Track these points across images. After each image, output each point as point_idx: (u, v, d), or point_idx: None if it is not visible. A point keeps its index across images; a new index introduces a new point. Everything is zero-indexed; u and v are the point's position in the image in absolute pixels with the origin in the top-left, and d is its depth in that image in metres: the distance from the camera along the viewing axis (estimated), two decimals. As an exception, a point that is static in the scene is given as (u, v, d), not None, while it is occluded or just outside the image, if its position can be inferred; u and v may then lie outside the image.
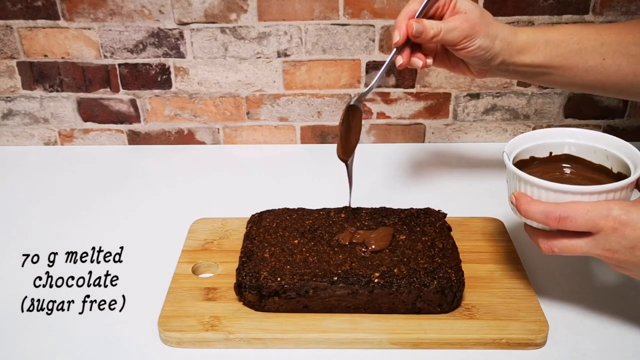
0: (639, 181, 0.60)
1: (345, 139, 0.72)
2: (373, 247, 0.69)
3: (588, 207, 0.56)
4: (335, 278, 0.65)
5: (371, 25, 0.94)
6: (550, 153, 0.67)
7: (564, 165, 0.67)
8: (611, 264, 0.58)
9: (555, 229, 0.58)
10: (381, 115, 1.02)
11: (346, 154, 0.73)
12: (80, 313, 0.68)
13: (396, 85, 1.00)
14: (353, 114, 0.72)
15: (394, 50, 0.69)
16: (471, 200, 0.88)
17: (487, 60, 0.70)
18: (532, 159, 0.67)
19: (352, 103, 0.71)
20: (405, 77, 0.99)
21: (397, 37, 0.67)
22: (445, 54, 0.73)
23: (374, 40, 0.96)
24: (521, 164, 0.65)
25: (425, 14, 0.68)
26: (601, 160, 0.65)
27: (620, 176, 0.63)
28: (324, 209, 0.77)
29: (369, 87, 0.71)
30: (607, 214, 0.55)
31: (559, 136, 0.67)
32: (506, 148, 0.64)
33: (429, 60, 0.70)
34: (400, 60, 0.69)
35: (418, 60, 0.70)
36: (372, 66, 0.97)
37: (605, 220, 0.55)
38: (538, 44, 0.70)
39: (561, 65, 0.70)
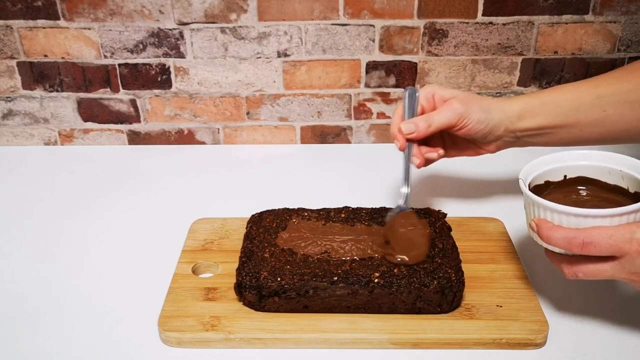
0: None
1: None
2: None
3: (611, 231, 0.55)
4: (335, 278, 0.65)
5: (371, 25, 0.94)
6: (565, 176, 0.66)
7: (579, 187, 0.66)
8: (638, 287, 0.58)
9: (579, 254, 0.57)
10: (381, 115, 1.02)
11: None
12: (80, 313, 0.68)
13: (396, 85, 1.00)
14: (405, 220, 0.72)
15: (404, 154, 0.72)
16: (471, 200, 0.88)
17: (490, 133, 0.71)
18: (547, 183, 0.66)
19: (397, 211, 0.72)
20: (405, 77, 0.99)
21: (398, 144, 0.71)
22: (452, 142, 0.75)
23: (374, 40, 0.96)
24: (537, 189, 0.65)
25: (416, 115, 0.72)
26: (616, 181, 0.64)
27: (638, 196, 0.62)
28: (324, 209, 0.77)
29: (404, 197, 0.73)
30: (631, 238, 0.54)
31: (572, 159, 0.66)
32: (521, 174, 0.64)
33: (441, 151, 0.73)
34: (416, 161, 0.71)
35: (432, 154, 0.73)
36: (372, 66, 0.97)
37: (630, 244, 0.54)
38: (534, 107, 0.71)
39: (564, 124, 0.71)
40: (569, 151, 0.67)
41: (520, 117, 0.71)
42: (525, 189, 0.61)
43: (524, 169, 0.65)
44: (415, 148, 0.71)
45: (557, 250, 0.59)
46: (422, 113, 0.72)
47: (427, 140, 0.73)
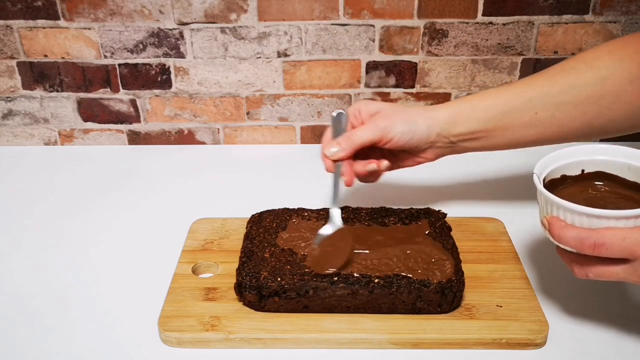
0: None
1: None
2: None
3: (624, 233, 0.54)
4: (335, 278, 0.65)
5: (371, 25, 0.94)
6: (583, 170, 0.65)
7: (597, 183, 0.64)
8: None
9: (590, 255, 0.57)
10: (381, 115, 1.02)
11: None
12: (80, 313, 0.68)
13: (396, 85, 1.00)
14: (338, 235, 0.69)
15: (333, 175, 0.70)
16: (471, 200, 0.88)
17: (420, 141, 0.71)
18: (564, 177, 0.65)
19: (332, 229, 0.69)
20: (405, 77, 0.99)
21: (325, 165, 0.70)
22: (390, 154, 0.73)
23: (374, 40, 0.96)
24: (553, 183, 0.64)
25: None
26: (636, 178, 0.63)
27: None
28: (324, 209, 0.77)
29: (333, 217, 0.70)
30: None
31: (591, 153, 0.65)
32: (536, 169, 0.62)
33: (384, 162, 0.71)
34: (344, 179, 0.70)
35: (371, 165, 0.71)
36: (372, 66, 0.97)
37: None
38: (465, 112, 0.71)
39: (497, 127, 0.70)
40: (588, 145, 0.65)
41: (452, 123, 0.71)
42: (540, 185, 0.60)
43: (539, 163, 0.63)
44: (344, 166, 0.69)
45: (568, 248, 0.59)
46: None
47: (367, 154, 0.72)
